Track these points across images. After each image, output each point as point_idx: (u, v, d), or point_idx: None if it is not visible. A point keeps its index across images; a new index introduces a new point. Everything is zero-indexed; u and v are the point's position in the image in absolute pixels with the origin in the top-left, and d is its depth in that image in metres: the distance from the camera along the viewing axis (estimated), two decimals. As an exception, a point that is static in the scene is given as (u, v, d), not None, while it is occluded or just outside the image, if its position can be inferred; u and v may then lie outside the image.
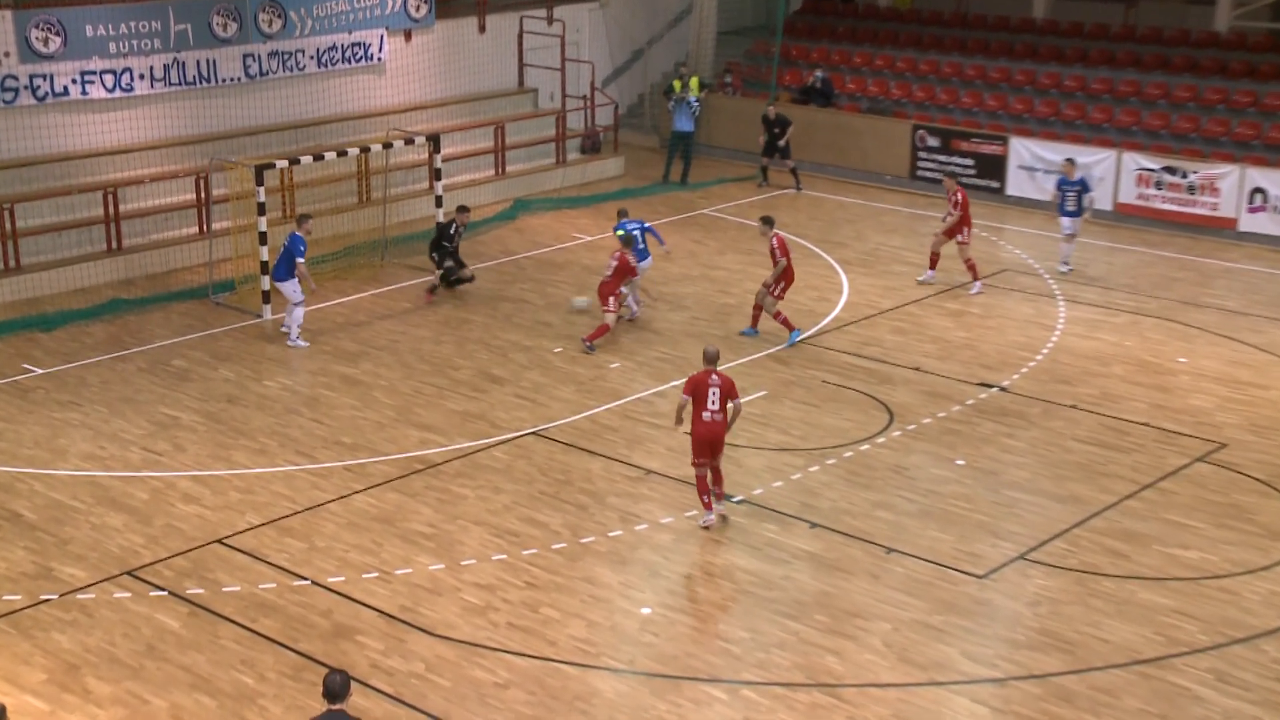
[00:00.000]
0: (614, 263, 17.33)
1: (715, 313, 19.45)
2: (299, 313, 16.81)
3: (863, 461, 13.97)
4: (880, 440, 14.85)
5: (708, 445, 11.56)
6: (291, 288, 16.80)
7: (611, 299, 17.30)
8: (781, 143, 25.63)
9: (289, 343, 16.89)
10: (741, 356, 17.59)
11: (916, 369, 16.68)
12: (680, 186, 25.74)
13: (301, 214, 17.41)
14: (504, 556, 11.62)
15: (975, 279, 20.10)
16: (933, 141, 26.09)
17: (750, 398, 15.91)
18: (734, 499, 13.16)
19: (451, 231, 17.72)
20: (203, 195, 19.11)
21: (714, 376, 11.50)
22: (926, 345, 18.01)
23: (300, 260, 17.04)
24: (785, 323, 17.88)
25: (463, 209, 18.26)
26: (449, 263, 17.84)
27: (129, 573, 11.24)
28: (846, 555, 11.86)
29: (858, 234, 23.78)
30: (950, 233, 20.12)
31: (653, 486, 13.67)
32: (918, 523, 12.45)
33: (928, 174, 26.00)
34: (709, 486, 11.79)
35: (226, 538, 11.92)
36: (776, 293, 17.80)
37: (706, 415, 11.49)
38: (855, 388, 15.97)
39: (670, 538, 12.16)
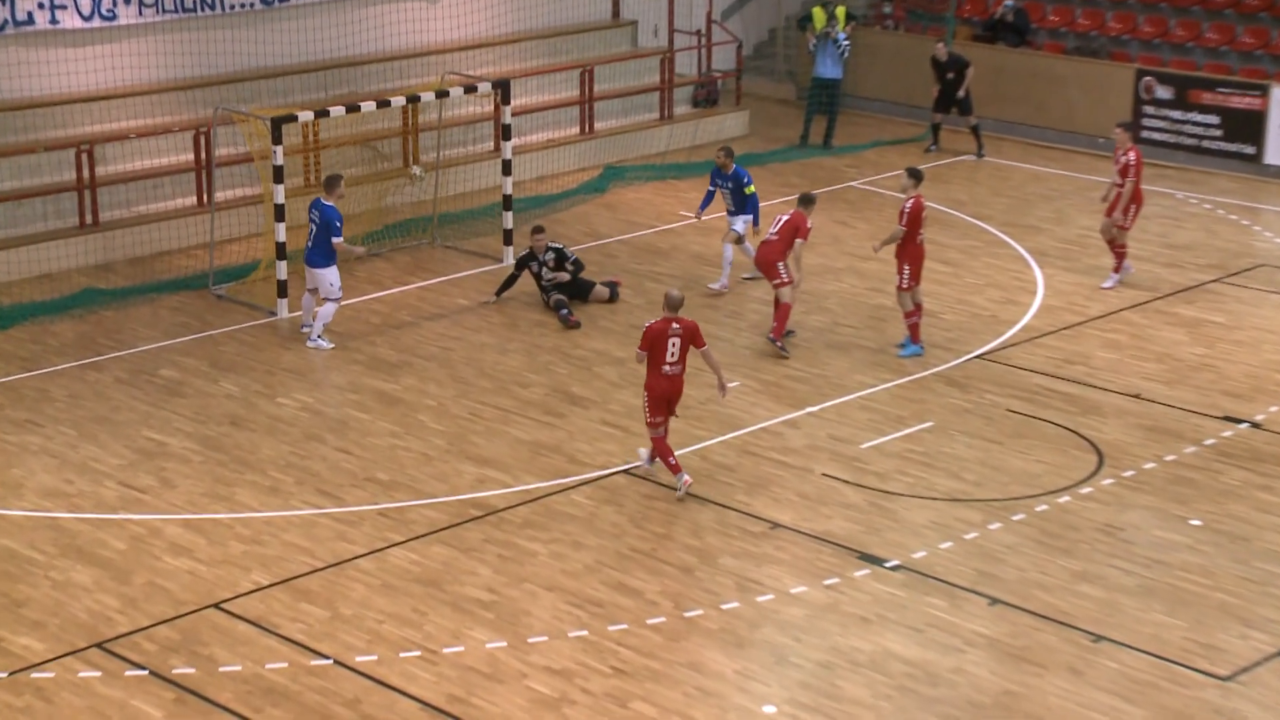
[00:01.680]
0: (783, 219, 17.50)
1: (866, 317, 19.44)
2: (330, 308, 17.06)
3: (1061, 518, 14.04)
4: (1085, 490, 14.64)
5: (664, 401, 13.21)
6: (332, 277, 16.97)
7: (781, 266, 17.37)
8: (960, 93, 25.50)
9: (309, 343, 17.06)
10: (900, 376, 17.54)
11: (1136, 396, 16.83)
12: (823, 151, 25.60)
13: (331, 176, 16.67)
14: (584, 633, 11.62)
15: (1117, 269, 19.97)
16: (1163, 93, 25.48)
17: (912, 429, 15.98)
18: (888, 563, 13.19)
19: (534, 267, 18.03)
20: (203, 156, 18.51)
21: (674, 325, 12.86)
22: (1149, 365, 17.80)
23: (338, 238, 16.75)
24: (913, 330, 17.98)
25: (538, 230, 18.01)
26: (557, 296, 18.05)
27: (99, 645, 10.91)
28: (1039, 643, 11.75)
29: (1058, 215, 23.45)
30: (1112, 207, 19.85)
31: (780, 545, 13.61)
32: (1137, 602, 12.33)
33: (1157, 136, 25.40)
34: (670, 448, 13.40)
35: (225, 601, 11.86)
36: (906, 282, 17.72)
37: (666, 369, 13.03)
38: (1052, 420, 16.16)
39: (803, 613, 12.15)
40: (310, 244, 16.81)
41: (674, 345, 12.95)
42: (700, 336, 13.26)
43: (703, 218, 20.35)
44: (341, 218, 16.49)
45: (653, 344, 12.98)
